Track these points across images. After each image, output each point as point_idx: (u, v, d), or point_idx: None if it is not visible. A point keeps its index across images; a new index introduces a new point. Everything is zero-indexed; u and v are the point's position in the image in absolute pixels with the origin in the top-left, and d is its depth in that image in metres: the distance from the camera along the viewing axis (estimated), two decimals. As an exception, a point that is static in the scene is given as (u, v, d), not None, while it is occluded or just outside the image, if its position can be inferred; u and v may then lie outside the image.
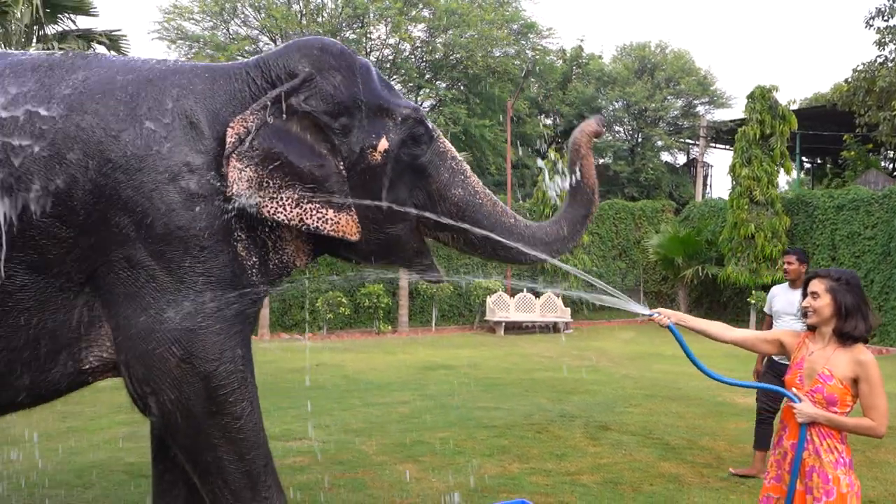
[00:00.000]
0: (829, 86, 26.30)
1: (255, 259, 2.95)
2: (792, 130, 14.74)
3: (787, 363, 5.06)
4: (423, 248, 3.40)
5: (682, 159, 28.69)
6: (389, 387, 8.61)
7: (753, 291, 14.07)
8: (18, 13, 10.35)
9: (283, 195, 2.88)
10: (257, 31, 20.67)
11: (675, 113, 26.46)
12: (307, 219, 2.92)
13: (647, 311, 3.10)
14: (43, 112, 2.68)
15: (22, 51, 4.79)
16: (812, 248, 14.30)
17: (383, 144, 3.09)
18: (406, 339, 14.22)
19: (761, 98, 14.56)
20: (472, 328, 15.80)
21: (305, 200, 2.91)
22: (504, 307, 14.91)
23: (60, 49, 9.65)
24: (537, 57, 22.72)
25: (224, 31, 20.51)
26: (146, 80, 2.90)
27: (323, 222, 2.95)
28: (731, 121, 22.64)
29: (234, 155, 2.79)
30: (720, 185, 68.94)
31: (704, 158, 25.09)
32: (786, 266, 5.39)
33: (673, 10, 68.55)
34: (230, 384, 2.80)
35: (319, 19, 20.29)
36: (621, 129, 27.46)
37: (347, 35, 20.17)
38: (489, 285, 14.91)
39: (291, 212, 2.89)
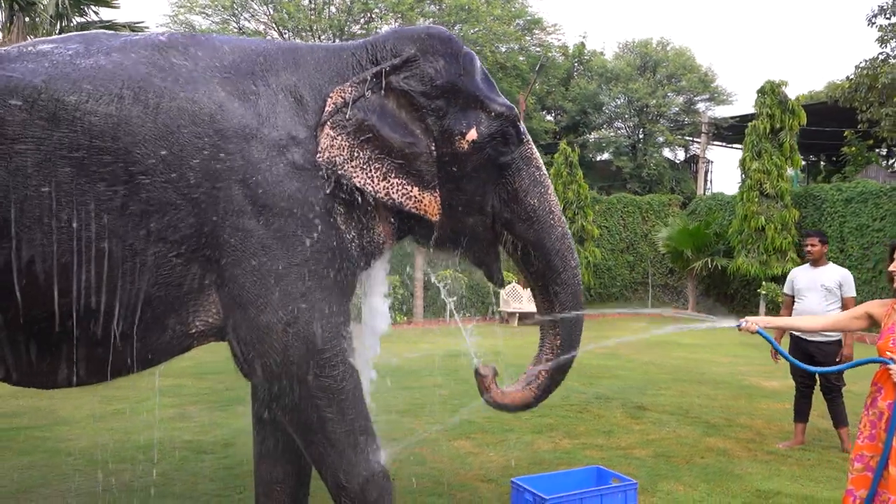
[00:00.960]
0: (823, 84, 26.55)
1: (353, 233, 3.04)
2: (801, 125, 14.90)
3: (809, 339, 5.32)
4: (493, 246, 3.45)
5: (681, 155, 28.91)
6: (421, 372, 8.73)
7: (764, 283, 14.25)
8: (44, 4, 10.44)
9: (373, 167, 2.96)
10: (265, 26, 20.67)
11: (676, 109, 26.64)
12: (392, 192, 2.99)
13: (733, 323, 3.24)
14: (157, 86, 2.78)
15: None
16: (820, 241, 14.47)
17: (472, 135, 3.14)
18: (422, 329, 14.33)
19: (771, 93, 14.73)
20: (486, 319, 15.93)
21: (393, 175, 3.00)
22: (518, 298, 15.02)
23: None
24: (542, 52, 22.80)
25: (234, 25, 20.50)
26: (254, 58, 3.02)
27: (407, 198, 3.03)
28: (731, 117, 22.85)
29: (328, 123, 2.91)
30: (719, 181, 69.41)
31: (704, 155, 25.30)
32: (808, 248, 5.67)
33: (674, 8, 68.94)
34: (331, 348, 2.92)
35: (326, 14, 20.30)
36: (623, 126, 27.65)
37: (355, 30, 20.18)
38: (503, 276, 14.98)
39: (378, 184, 2.96)
